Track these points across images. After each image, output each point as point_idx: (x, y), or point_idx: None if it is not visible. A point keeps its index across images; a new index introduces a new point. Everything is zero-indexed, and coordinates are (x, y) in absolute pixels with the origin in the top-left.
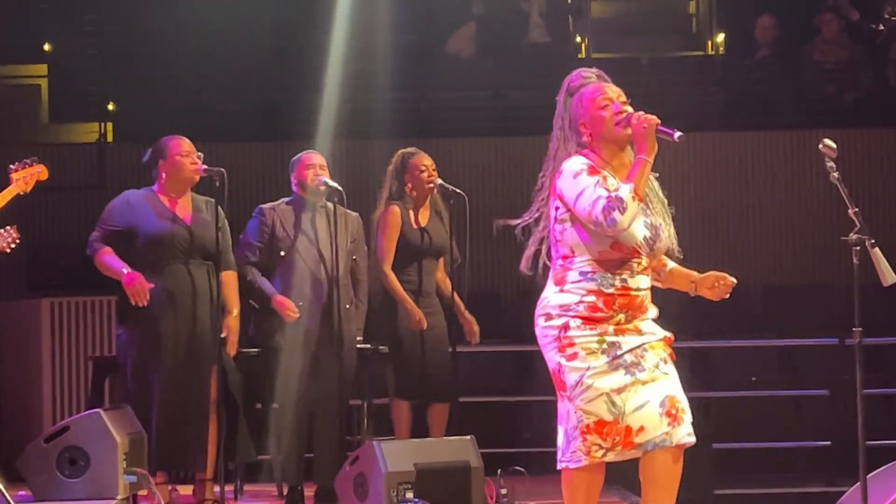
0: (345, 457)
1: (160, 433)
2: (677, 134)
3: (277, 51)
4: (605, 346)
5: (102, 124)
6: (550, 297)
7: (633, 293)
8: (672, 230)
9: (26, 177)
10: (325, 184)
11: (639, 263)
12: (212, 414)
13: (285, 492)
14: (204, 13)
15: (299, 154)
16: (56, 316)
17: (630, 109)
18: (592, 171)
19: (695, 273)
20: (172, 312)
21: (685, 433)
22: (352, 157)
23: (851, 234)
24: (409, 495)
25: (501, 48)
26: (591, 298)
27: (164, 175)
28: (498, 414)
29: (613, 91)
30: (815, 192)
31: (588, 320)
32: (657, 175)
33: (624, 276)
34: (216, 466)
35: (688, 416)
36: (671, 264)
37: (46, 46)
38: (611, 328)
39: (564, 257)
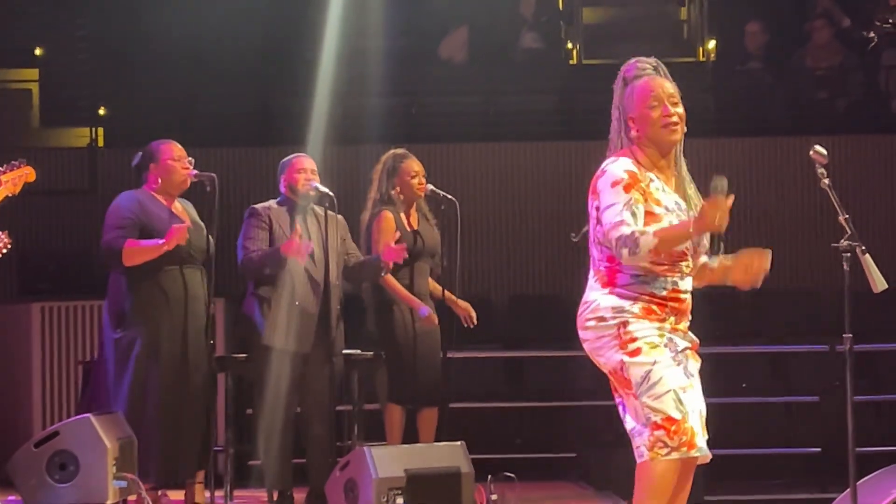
0: (335, 461)
1: (155, 437)
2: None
3: (269, 55)
4: (665, 339)
5: (93, 129)
6: (600, 299)
7: (682, 296)
8: None
9: (14, 179)
10: (317, 189)
11: (687, 265)
12: (203, 418)
13: (275, 497)
14: (195, 18)
15: (289, 157)
16: (46, 320)
17: (680, 111)
18: (634, 179)
19: (728, 258)
20: (168, 315)
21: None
22: (343, 162)
23: (842, 241)
24: (400, 501)
25: (493, 54)
26: (646, 300)
27: (158, 179)
28: (489, 420)
29: (665, 91)
30: (805, 198)
31: (645, 319)
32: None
33: (675, 279)
34: (206, 471)
35: None
36: (703, 258)
37: (37, 51)
38: (667, 325)
39: (610, 259)
